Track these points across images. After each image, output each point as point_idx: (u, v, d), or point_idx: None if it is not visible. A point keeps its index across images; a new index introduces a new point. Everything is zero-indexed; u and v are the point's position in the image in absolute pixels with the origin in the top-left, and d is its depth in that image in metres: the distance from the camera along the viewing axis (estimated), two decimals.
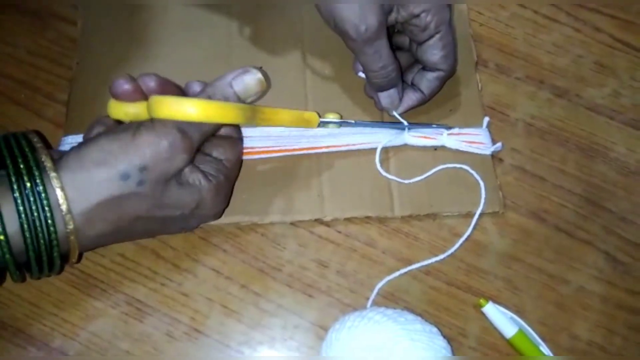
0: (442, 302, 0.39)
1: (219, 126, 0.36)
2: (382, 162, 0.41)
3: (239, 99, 0.35)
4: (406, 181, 0.41)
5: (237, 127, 0.39)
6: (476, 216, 0.40)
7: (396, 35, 0.43)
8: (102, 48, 0.44)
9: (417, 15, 0.38)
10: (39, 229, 0.30)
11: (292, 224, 0.40)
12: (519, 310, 0.38)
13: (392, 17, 0.38)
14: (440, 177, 0.41)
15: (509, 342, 0.37)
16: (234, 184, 0.39)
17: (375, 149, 0.41)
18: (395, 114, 0.41)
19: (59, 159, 0.32)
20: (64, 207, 0.31)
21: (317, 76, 0.44)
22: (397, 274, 0.39)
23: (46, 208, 0.30)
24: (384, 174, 0.41)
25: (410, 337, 0.34)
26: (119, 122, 0.36)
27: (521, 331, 0.37)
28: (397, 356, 0.33)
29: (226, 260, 0.39)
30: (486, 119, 0.43)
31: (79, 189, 0.31)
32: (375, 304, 0.38)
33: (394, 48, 0.41)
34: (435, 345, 0.35)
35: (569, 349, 0.38)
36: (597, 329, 0.39)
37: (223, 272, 0.39)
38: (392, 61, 0.39)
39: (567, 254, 0.40)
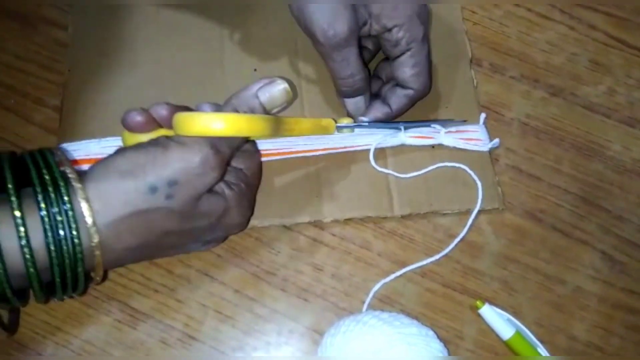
0: (438, 305, 0.38)
1: (247, 139, 0.36)
2: (379, 162, 0.41)
3: (265, 111, 0.34)
4: (403, 175, 0.41)
5: (253, 141, 0.39)
6: (474, 213, 0.40)
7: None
8: (93, 54, 0.44)
9: (389, 30, 0.37)
10: (63, 241, 0.29)
11: (286, 227, 0.40)
12: (515, 312, 0.38)
13: (366, 29, 0.38)
14: (438, 176, 0.41)
15: (506, 344, 0.37)
16: (256, 193, 0.38)
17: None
18: (364, 118, 0.41)
19: (84, 171, 0.31)
20: (89, 220, 0.30)
21: (310, 79, 0.44)
22: (392, 276, 0.39)
23: (71, 220, 0.29)
24: (381, 169, 0.41)
25: (406, 341, 0.34)
26: None
27: (518, 333, 0.37)
28: None
29: (220, 265, 0.39)
30: (482, 116, 0.43)
31: (104, 200, 0.30)
32: (371, 307, 0.38)
33: (383, 57, 0.41)
34: (432, 348, 0.34)
35: (566, 350, 0.38)
36: (595, 330, 0.38)
37: (217, 278, 0.38)
38: (359, 70, 0.38)
39: (564, 254, 0.40)
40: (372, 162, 0.41)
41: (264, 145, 0.40)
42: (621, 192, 0.42)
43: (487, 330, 0.38)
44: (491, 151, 0.42)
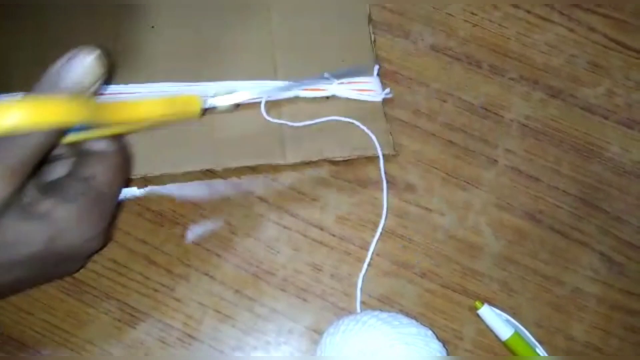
0: (437, 305, 0.39)
1: (55, 136, 0.27)
2: (273, 113, 0.41)
3: (74, 92, 0.27)
4: (296, 124, 0.41)
5: (114, 138, 0.32)
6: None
7: None
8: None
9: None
10: None
11: (285, 227, 0.40)
12: (514, 312, 0.38)
13: None
14: (332, 126, 0.41)
15: (504, 344, 0.37)
16: (113, 203, 0.32)
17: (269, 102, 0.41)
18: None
19: None
20: None
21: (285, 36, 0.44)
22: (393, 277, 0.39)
23: None
24: (273, 120, 0.41)
25: (405, 340, 0.34)
26: None
27: (517, 333, 0.37)
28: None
29: (219, 265, 0.39)
30: (376, 67, 0.44)
31: None
32: (370, 307, 0.38)
33: None
34: (431, 348, 0.34)
35: (565, 351, 0.38)
36: (594, 330, 0.38)
37: (216, 277, 0.38)
38: None
39: (563, 255, 0.40)
40: (264, 114, 0.41)
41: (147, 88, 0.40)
42: (620, 193, 0.42)
43: (486, 330, 0.38)
44: (384, 100, 0.43)
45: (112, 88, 0.40)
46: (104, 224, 0.31)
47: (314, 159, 0.41)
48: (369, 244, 0.40)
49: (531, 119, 0.44)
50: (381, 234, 0.40)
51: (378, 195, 0.41)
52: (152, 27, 0.43)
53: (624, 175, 0.43)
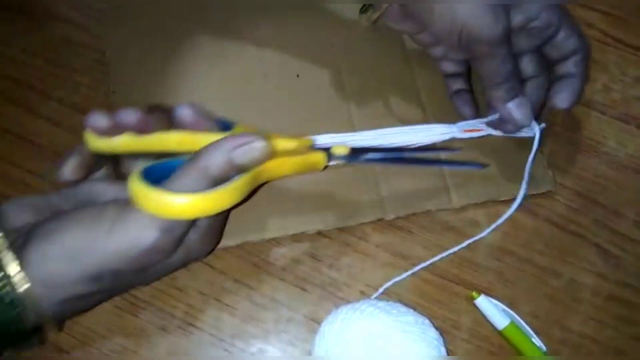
0: (434, 295, 0.39)
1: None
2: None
3: (238, 173, 0.31)
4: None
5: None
6: (518, 200, 0.40)
7: None
8: (135, 74, 0.44)
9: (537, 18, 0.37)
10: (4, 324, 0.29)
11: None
12: (511, 303, 0.39)
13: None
14: (491, 166, 0.42)
15: (501, 334, 0.38)
16: (225, 221, 0.37)
17: (424, 146, 0.41)
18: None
19: (22, 244, 0.29)
20: (30, 304, 0.29)
21: (355, 94, 0.44)
22: (404, 275, 0.39)
23: (13, 302, 0.28)
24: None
25: (403, 328, 0.34)
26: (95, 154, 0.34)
27: (513, 323, 0.37)
28: (389, 348, 0.33)
29: (220, 254, 0.39)
30: None
31: (48, 285, 0.29)
32: (368, 297, 0.38)
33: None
34: (428, 336, 0.35)
35: (560, 341, 0.38)
36: (589, 321, 0.39)
37: (217, 267, 0.39)
38: (515, 67, 0.38)
39: (559, 247, 0.41)
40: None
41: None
42: (616, 187, 0.43)
43: (482, 320, 0.38)
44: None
45: None
46: (219, 239, 0.37)
47: (480, 200, 0.41)
48: (368, 235, 0.40)
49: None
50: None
51: None
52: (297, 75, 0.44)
53: (620, 169, 0.43)
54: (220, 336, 0.37)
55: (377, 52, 0.45)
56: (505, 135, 0.42)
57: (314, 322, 0.38)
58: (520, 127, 0.40)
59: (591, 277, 0.40)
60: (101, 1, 0.46)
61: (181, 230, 0.30)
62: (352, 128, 0.42)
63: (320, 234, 0.40)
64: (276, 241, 0.40)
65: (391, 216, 0.40)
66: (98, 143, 0.32)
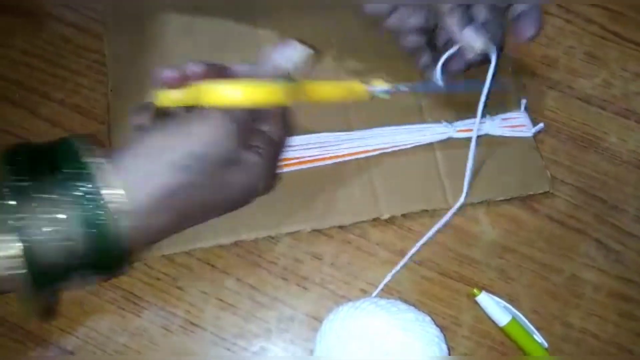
0: (435, 292, 0.39)
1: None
2: (429, 156, 0.42)
3: (286, 75, 0.35)
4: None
5: None
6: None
7: None
8: (133, 73, 0.44)
9: None
10: (97, 225, 0.30)
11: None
12: (512, 300, 0.39)
13: None
14: (488, 165, 0.42)
15: (502, 331, 0.38)
16: (280, 154, 0.39)
17: (420, 146, 0.42)
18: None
19: (110, 157, 0.32)
20: (122, 204, 0.30)
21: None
22: (397, 267, 0.39)
23: (103, 204, 0.30)
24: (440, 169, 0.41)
25: (404, 326, 0.34)
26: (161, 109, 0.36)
27: (514, 320, 0.37)
28: (390, 345, 0.34)
29: (221, 254, 0.39)
30: (524, 101, 0.44)
31: (136, 183, 0.31)
32: (368, 295, 0.39)
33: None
34: (429, 334, 0.35)
35: (562, 337, 0.38)
36: (590, 317, 0.39)
37: (218, 266, 0.39)
38: None
39: (559, 243, 0.41)
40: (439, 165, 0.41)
41: (309, 152, 0.41)
42: (617, 183, 0.43)
43: (484, 317, 0.38)
44: (535, 136, 0.43)
45: None
46: (277, 170, 0.38)
47: (476, 201, 0.41)
48: (367, 233, 0.40)
49: (529, 110, 0.45)
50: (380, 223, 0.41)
51: None
52: None
53: (621, 164, 0.43)
54: (222, 335, 0.38)
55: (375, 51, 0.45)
56: (501, 135, 0.42)
57: (316, 320, 0.38)
58: (479, 52, 0.38)
59: (592, 272, 0.40)
60: (101, 2, 0.46)
61: (245, 119, 0.34)
62: (348, 127, 0.42)
63: (320, 232, 0.40)
64: (277, 240, 0.40)
65: (386, 215, 0.40)
66: (164, 98, 0.35)
